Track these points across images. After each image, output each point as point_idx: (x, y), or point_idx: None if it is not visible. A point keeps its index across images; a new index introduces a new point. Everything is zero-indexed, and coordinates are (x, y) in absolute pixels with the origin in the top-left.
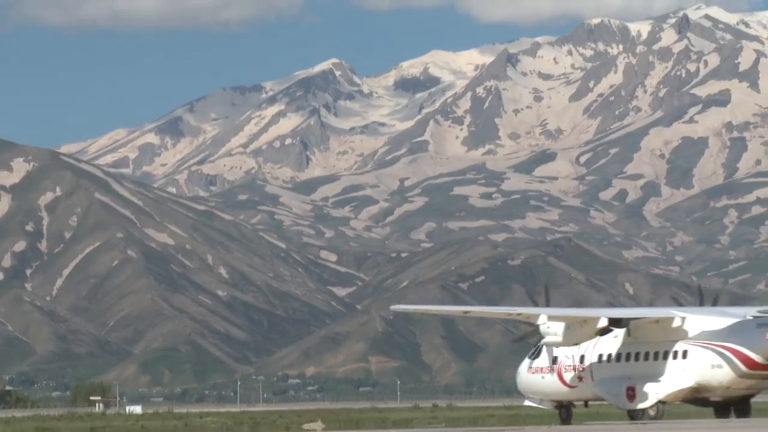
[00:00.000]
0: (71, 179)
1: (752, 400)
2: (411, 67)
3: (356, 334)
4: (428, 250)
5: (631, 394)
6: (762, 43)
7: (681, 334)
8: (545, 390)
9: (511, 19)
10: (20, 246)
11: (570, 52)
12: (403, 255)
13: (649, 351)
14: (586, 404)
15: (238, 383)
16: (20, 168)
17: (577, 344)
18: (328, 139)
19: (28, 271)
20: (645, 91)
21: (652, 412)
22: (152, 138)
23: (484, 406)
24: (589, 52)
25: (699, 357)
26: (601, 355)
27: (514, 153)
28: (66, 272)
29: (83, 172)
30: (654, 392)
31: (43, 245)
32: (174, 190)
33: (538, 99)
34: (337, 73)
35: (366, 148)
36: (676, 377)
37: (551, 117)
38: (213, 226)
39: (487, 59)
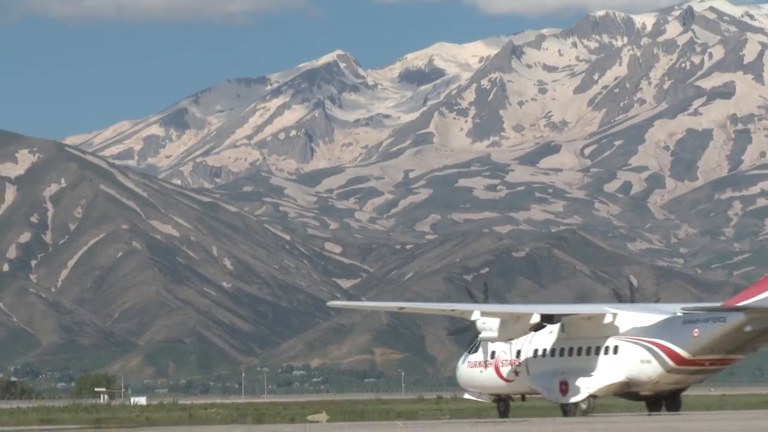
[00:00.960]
0: (76, 171)
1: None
2: (416, 59)
3: (361, 326)
4: (433, 242)
5: (564, 388)
6: (767, 35)
7: (612, 330)
8: (483, 384)
9: (516, 11)
10: (25, 237)
11: (575, 45)
12: (408, 247)
13: (582, 346)
14: (523, 398)
15: (243, 375)
16: (25, 160)
17: (512, 339)
18: (333, 131)
19: (33, 263)
20: (649, 83)
21: (584, 406)
22: (157, 130)
23: None
24: (593, 44)
25: (629, 352)
26: (536, 350)
27: (518, 145)
28: (71, 264)
29: (88, 164)
30: (586, 386)
31: (47, 237)
32: (179, 182)
33: (542, 91)
34: (342, 65)
35: (371, 140)
36: (607, 372)
37: (556, 109)
38: (218, 217)
39: (492, 51)
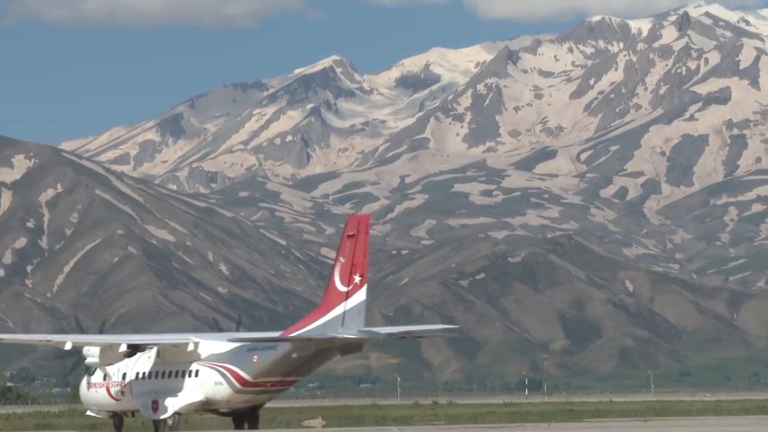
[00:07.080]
0: (72, 176)
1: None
2: (412, 65)
3: None
4: (429, 247)
5: (155, 406)
6: (762, 40)
7: (195, 356)
8: (99, 402)
9: (512, 16)
10: (21, 243)
11: (571, 50)
12: (404, 252)
13: (172, 370)
14: (132, 414)
15: None
16: (21, 165)
17: (111, 364)
18: (329, 137)
19: (29, 268)
20: (645, 89)
21: (170, 422)
22: (153, 135)
23: (484, 403)
24: (589, 50)
25: (206, 375)
26: (138, 373)
27: (514, 150)
28: (67, 269)
29: (84, 169)
30: (172, 405)
31: (43, 242)
32: (175, 187)
33: (538, 96)
34: (338, 70)
35: (367, 145)
36: (189, 392)
37: (552, 114)
38: (214, 222)
39: (488, 56)
